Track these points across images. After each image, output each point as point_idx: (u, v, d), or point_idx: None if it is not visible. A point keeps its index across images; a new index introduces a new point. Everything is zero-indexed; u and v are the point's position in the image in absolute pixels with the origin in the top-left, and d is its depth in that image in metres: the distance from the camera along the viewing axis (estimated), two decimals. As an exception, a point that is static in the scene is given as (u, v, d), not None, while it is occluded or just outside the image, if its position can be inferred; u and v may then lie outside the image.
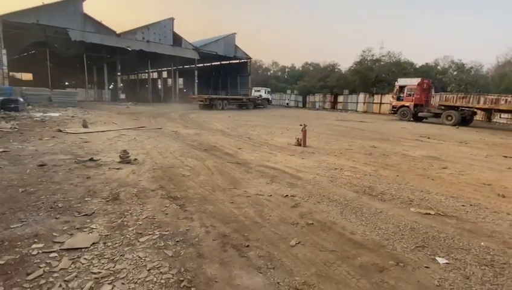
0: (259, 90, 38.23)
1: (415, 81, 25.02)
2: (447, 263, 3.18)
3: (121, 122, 14.93)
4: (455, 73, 34.07)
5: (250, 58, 47.99)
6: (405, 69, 35.83)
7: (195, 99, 30.71)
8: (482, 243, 3.64)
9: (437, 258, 3.27)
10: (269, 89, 40.61)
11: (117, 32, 33.77)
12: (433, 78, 31.21)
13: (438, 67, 38.32)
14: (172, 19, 38.40)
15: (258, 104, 34.92)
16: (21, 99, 19.27)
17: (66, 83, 48.73)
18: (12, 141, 8.69)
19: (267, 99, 37.90)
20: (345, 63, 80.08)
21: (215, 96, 33.03)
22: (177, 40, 38.85)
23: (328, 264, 3.10)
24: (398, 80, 26.80)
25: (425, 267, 3.09)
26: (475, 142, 13.20)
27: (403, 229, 3.98)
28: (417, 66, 38.10)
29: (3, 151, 7.30)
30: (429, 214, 4.52)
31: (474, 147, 11.73)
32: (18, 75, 49.43)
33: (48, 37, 30.95)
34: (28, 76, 52.03)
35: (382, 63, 39.25)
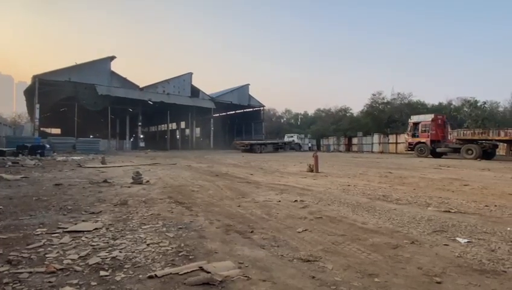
0: (292, 136, 41.20)
1: (429, 117, 24.89)
2: (469, 241, 2.91)
3: (138, 161, 15.37)
4: (469, 110, 33.71)
5: (263, 106, 49.85)
6: (417, 109, 35.91)
7: (238, 144, 33.32)
8: (509, 228, 3.32)
9: (458, 239, 3.00)
10: (301, 135, 43.99)
11: (140, 86, 36.50)
12: (448, 116, 30.98)
13: (451, 106, 38.23)
14: (190, 74, 41.37)
15: (292, 147, 37.58)
16: (47, 146, 20.45)
17: (91, 136, 51.63)
18: (34, 172, 9.09)
19: (299, 144, 40.41)
20: (356, 106, 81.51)
21: (254, 141, 34.51)
22: (194, 92, 41.31)
23: (337, 243, 2.90)
24: (411, 117, 26.80)
25: (444, 245, 2.83)
26: (499, 169, 12.55)
27: (419, 220, 3.72)
28: (429, 106, 38.18)
29: (24, 177, 7.63)
30: (449, 211, 4.23)
31: (498, 172, 11.14)
32: (48, 130, 53.05)
33: (77, 92, 33.70)
34: (56, 131, 55.83)
35: (395, 105, 39.70)
